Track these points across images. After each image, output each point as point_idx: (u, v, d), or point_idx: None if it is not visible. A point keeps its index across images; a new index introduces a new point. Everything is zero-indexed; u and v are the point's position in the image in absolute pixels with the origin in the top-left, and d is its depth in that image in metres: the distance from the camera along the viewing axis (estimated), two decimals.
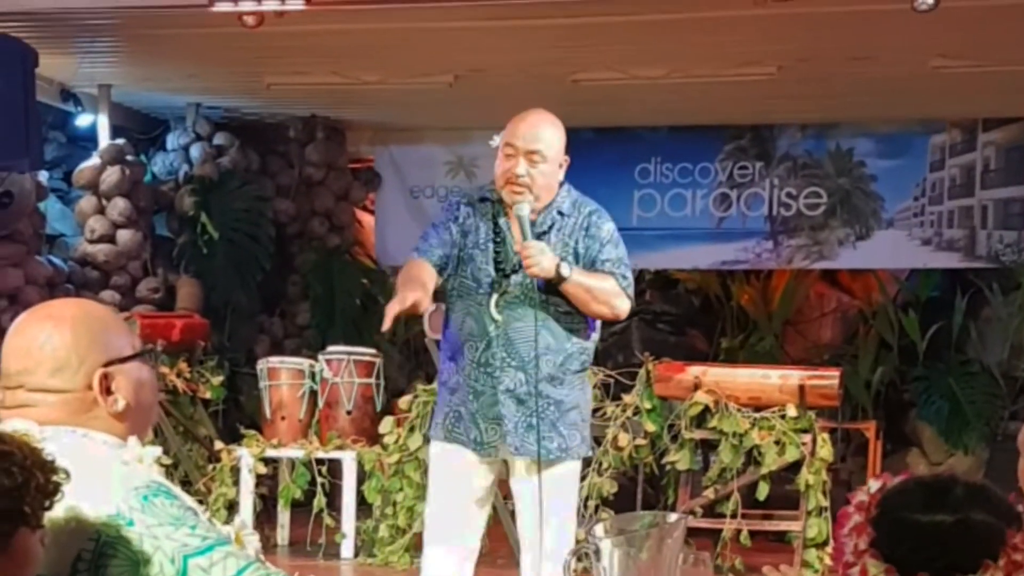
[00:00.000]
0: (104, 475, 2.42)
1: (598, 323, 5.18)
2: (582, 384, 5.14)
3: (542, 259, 4.89)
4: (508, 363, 4.98)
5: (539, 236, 4.99)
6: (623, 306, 5.04)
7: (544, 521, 5.02)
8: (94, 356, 2.55)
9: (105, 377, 2.54)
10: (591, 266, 5.02)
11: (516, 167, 4.96)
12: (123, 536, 2.35)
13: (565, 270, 4.91)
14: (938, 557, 2.23)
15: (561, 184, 5.10)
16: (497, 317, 4.97)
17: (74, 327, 2.56)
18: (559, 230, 5.04)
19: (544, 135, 5.00)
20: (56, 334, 2.55)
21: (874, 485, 2.37)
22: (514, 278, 4.99)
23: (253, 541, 2.66)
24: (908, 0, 7.05)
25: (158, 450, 2.61)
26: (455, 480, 5.12)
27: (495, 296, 4.98)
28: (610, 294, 4.99)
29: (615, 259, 5.04)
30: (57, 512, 2.26)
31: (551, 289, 4.96)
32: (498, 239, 5.04)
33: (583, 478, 7.78)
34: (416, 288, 4.72)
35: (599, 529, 2.45)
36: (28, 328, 2.58)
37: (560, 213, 5.06)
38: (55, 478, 2.18)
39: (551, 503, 5.02)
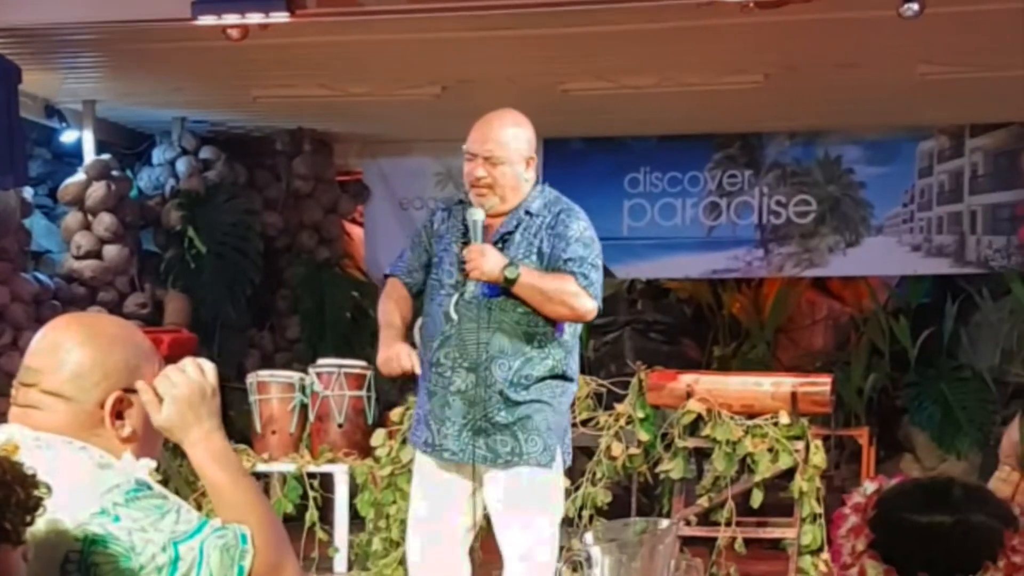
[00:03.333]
0: (86, 479, 2.40)
1: (573, 326, 5.01)
2: (554, 391, 4.96)
3: (483, 262, 4.80)
4: (460, 364, 4.91)
5: (503, 237, 4.94)
6: (585, 306, 4.86)
7: (506, 526, 4.96)
8: (117, 377, 2.53)
9: (120, 401, 2.52)
10: (555, 265, 4.90)
11: (476, 170, 4.94)
12: (110, 532, 2.34)
13: (511, 272, 4.80)
14: (938, 558, 2.23)
15: (537, 184, 5.05)
16: (453, 317, 4.92)
17: (110, 343, 2.55)
18: (525, 230, 4.96)
19: (498, 136, 4.95)
20: (88, 343, 2.52)
21: (870, 487, 2.37)
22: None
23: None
24: (894, 7, 7.03)
25: (152, 463, 2.58)
26: (426, 486, 5.07)
27: (455, 296, 4.93)
28: (567, 294, 4.84)
29: (578, 258, 4.88)
30: (41, 525, 2.23)
31: (508, 292, 4.85)
32: (465, 240, 4.98)
33: (576, 488, 7.76)
34: (394, 343, 4.97)
35: (590, 536, 2.43)
36: (63, 330, 2.55)
37: (528, 213, 4.98)
38: (36, 493, 2.15)
39: (512, 509, 4.95)
